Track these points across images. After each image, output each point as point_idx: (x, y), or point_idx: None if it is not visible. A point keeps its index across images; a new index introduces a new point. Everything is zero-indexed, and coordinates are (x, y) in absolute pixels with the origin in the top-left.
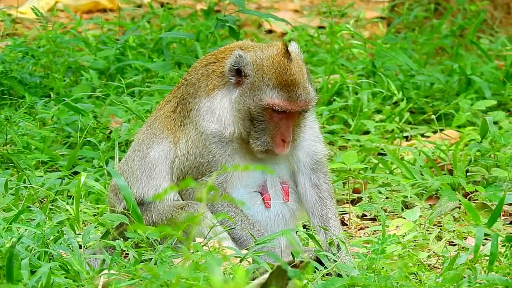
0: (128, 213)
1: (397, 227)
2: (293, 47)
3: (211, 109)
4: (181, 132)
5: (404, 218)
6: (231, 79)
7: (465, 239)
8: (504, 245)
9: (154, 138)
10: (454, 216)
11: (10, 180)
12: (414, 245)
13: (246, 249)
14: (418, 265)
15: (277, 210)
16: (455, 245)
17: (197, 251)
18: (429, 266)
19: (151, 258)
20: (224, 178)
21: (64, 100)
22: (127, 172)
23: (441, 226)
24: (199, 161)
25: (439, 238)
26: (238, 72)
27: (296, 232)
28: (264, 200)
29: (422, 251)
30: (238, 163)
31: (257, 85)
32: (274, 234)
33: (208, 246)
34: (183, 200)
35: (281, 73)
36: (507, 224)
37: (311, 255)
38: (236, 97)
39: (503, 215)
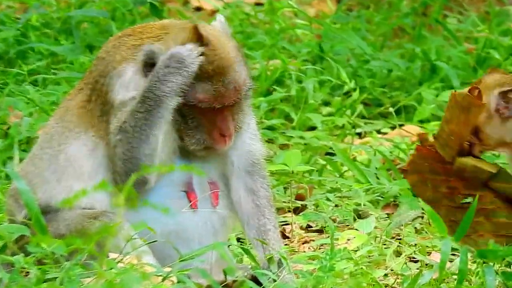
0: (30, 223)
1: (348, 240)
2: (218, 23)
3: (124, 82)
4: (103, 122)
5: (357, 230)
6: (148, 73)
7: (428, 255)
8: (474, 262)
9: (68, 133)
10: (415, 228)
11: None
12: (369, 262)
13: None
14: (374, 285)
15: (205, 216)
16: (417, 261)
17: (111, 268)
18: (386, 286)
19: (57, 277)
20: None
21: None
22: (33, 174)
23: (400, 239)
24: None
25: (398, 253)
26: (153, 66)
27: (229, 245)
28: (190, 200)
29: (378, 268)
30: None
31: None
32: (202, 247)
33: (124, 262)
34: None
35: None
36: None
37: (246, 273)
38: None
39: None
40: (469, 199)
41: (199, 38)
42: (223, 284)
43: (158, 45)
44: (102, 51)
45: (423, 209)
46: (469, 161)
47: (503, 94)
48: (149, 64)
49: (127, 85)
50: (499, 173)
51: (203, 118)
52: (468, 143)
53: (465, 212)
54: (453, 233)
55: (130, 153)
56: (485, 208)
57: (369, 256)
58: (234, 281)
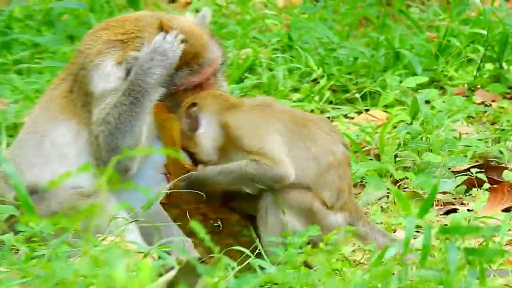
0: (19, 204)
1: None
2: (189, 14)
3: (102, 75)
4: (85, 112)
5: None
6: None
7: (394, 232)
8: (437, 238)
9: (52, 121)
10: (381, 206)
11: None
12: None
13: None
14: (342, 260)
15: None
16: None
17: (96, 246)
18: (354, 261)
19: (45, 254)
20: (130, 159)
21: None
22: (20, 157)
23: (367, 217)
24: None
25: None
26: None
27: None
28: (169, 182)
29: (346, 245)
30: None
31: None
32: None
33: (109, 240)
34: None
35: None
36: (441, 214)
37: None
38: None
39: (436, 205)
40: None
41: (167, 31)
42: (201, 260)
43: (133, 53)
44: (81, 44)
45: (388, 189)
46: None
47: (187, 110)
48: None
49: (107, 77)
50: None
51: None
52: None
53: (216, 236)
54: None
55: (113, 144)
56: (233, 229)
57: (337, 233)
58: (211, 257)
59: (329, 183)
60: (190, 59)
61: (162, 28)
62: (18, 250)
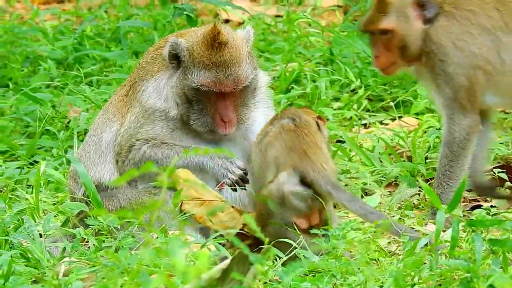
0: (88, 200)
1: None
2: (242, 30)
3: (157, 89)
4: (128, 113)
5: None
6: (172, 63)
7: (425, 225)
8: (464, 231)
9: (107, 122)
10: (413, 203)
11: None
12: (374, 232)
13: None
14: (379, 251)
15: (235, 193)
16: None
17: (157, 237)
18: (389, 252)
19: (112, 245)
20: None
21: (23, 90)
22: (84, 157)
23: (401, 212)
24: (139, 131)
25: None
26: (177, 57)
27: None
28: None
29: (383, 237)
30: (185, 141)
31: (189, 68)
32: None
33: (169, 233)
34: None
35: (209, 54)
36: (467, 210)
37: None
38: (175, 80)
39: (463, 201)
40: None
41: (216, 34)
42: (253, 251)
43: (183, 39)
44: (143, 60)
45: (420, 187)
46: None
47: None
48: (173, 56)
49: (160, 91)
50: None
51: (207, 102)
52: None
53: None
54: None
55: (130, 143)
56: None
57: (375, 227)
58: (261, 248)
59: (269, 160)
60: (219, 63)
61: (213, 29)
62: (87, 242)
